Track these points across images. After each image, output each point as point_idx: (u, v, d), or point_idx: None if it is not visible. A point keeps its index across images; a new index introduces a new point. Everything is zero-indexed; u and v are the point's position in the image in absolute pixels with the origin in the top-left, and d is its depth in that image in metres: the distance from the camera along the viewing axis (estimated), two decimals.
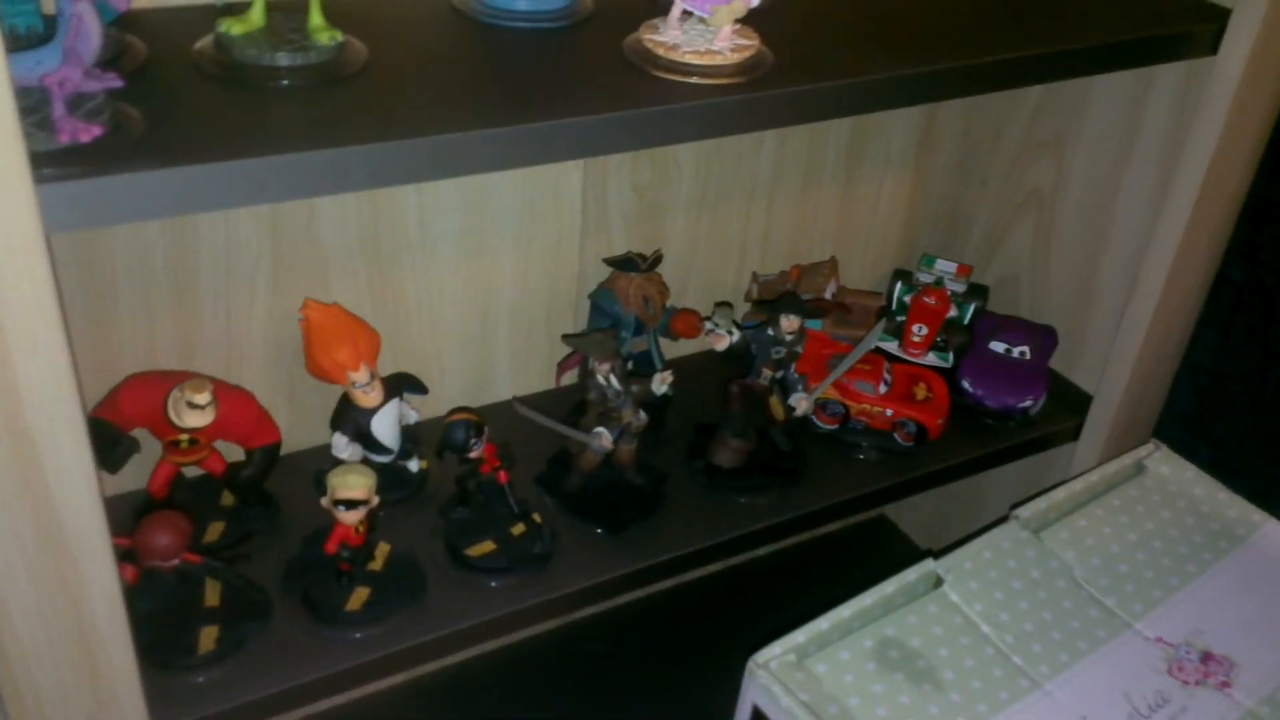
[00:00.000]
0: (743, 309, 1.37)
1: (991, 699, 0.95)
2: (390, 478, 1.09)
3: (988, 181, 1.42)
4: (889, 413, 1.24)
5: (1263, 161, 1.20)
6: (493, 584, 1.04)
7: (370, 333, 1.05)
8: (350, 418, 1.05)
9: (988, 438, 1.30)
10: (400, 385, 1.08)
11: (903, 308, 1.38)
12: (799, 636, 0.97)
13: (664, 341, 1.25)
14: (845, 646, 0.98)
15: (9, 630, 0.77)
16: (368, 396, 1.04)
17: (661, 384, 1.10)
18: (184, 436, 0.99)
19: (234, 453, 1.07)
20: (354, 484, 0.97)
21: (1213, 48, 1.10)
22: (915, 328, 1.34)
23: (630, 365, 1.20)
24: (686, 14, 0.90)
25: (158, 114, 0.73)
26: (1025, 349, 1.34)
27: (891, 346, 1.35)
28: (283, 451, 1.09)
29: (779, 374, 1.18)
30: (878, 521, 1.72)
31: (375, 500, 0.99)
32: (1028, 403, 1.30)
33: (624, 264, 1.20)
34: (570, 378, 1.29)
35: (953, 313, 1.37)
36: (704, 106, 0.85)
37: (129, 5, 0.81)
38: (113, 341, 1.03)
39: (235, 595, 0.98)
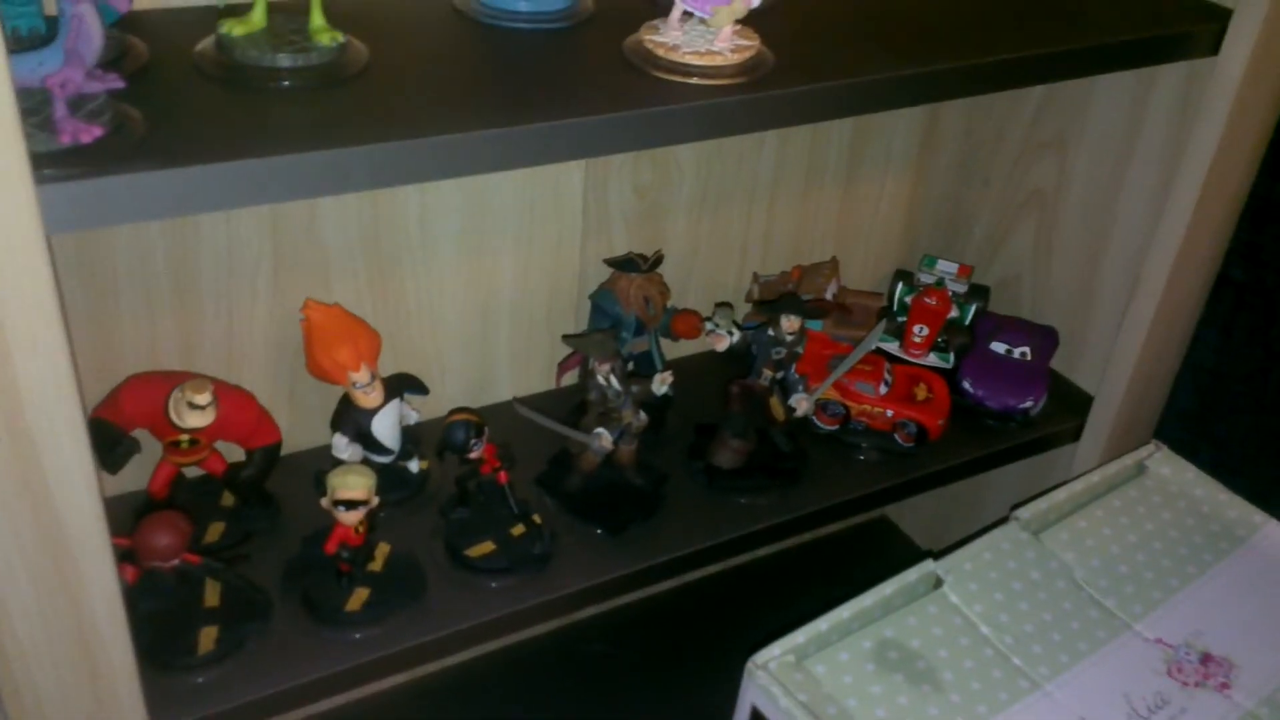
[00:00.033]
0: (744, 310, 1.37)
1: (991, 700, 0.95)
2: (391, 478, 1.09)
3: (989, 182, 1.42)
4: (889, 413, 1.24)
5: (1264, 162, 1.20)
6: (493, 584, 1.04)
7: (371, 333, 1.05)
8: (351, 418, 1.05)
9: (988, 438, 1.30)
10: (401, 386, 1.08)
11: (904, 308, 1.38)
12: (798, 637, 0.97)
13: (665, 342, 1.25)
14: (844, 647, 0.98)
15: (9, 630, 0.77)
16: (368, 397, 1.04)
17: (662, 384, 1.10)
18: (184, 437, 0.99)
19: (235, 453, 1.07)
20: (354, 484, 0.97)
21: (1214, 48, 1.10)
22: (916, 328, 1.34)
23: (631, 366, 1.20)
24: (687, 15, 0.90)
25: (159, 115, 0.73)
26: (1026, 349, 1.34)
27: (892, 347, 1.35)
28: (283, 452, 1.09)
29: (779, 374, 1.18)
30: (879, 522, 1.72)
31: (375, 501, 0.99)
32: (1028, 403, 1.30)
33: (625, 264, 1.20)
34: (571, 378, 1.29)
35: (954, 313, 1.37)
36: (704, 107, 0.85)
37: (130, 6, 0.81)
38: (114, 342, 1.03)
39: (235, 595, 0.98)
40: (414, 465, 1.12)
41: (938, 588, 1.05)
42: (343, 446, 1.05)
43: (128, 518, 0.98)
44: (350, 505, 0.97)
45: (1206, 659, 1.01)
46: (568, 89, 0.85)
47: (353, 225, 1.09)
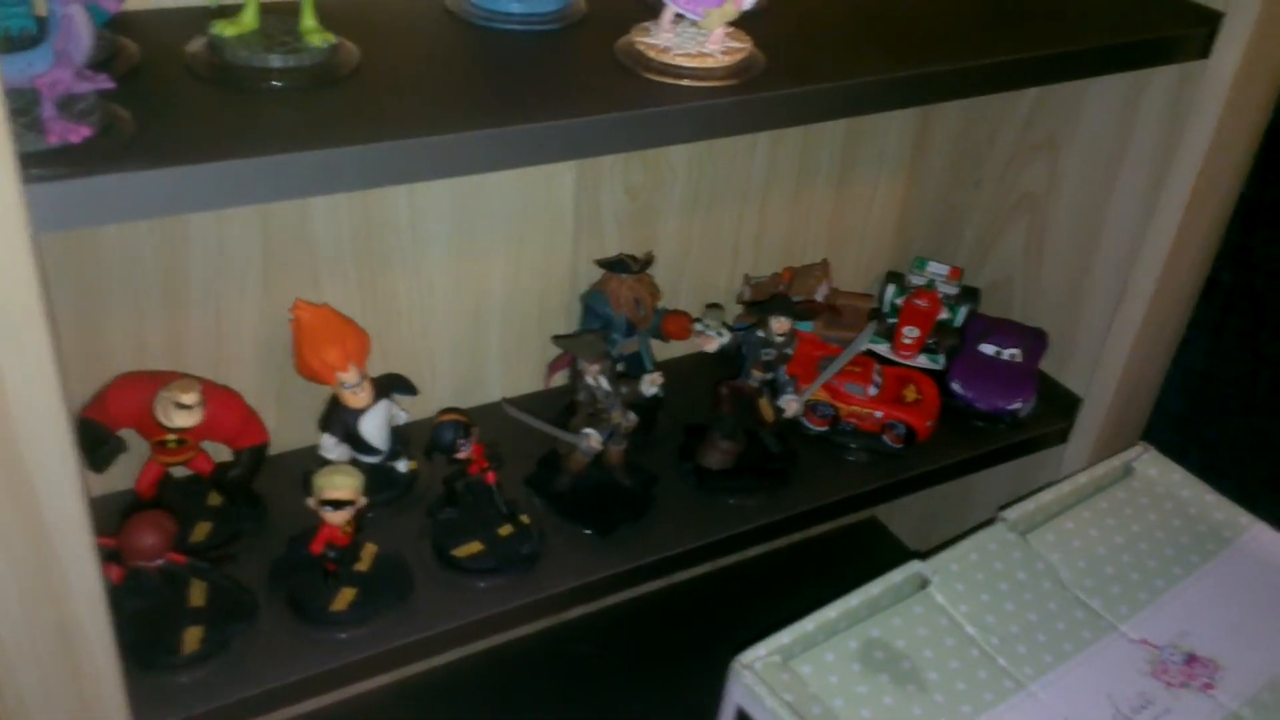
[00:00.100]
0: (734, 311, 1.37)
1: (976, 700, 0.95)
2: (379, 478, 1.09)
3: (981, 184, 1.42)
4: (879, 415, 1.24)
5: (1254, 165, 1.21)
6: (480, 585, 1.04)
7: (360, 333, 1.05)
8: (339, 418, 1.05)
9: (977, 440, 1.30)
10: (390, 386, 1.08)
11: (894, 310, 1.38)
12: (784, 637, 0.97)
13: (655, 343, 1.25)
14: (830, 647, 0.98)
15: None
16: (357, 397, 1.04)
17: (651, 385, 1.10)
18: (172, 436, 0.99)
19: (222, 453, 1.07)
20: (340, 484, 0.97)
21: (1205, 51, 1.11)
22: (906, 330, 1.34)
23: (622, 366, 1.20)
24: (679, 17, 0.90)
25: (149, 115, 0.73)
26: (1016, 351, 1.34)
27: (883, 349, 1.35)
28: (272, 452, 1.09)
29: (769, 376, 1.18)
30: (868, 523, 1.72)
31: (362, 501, 0.99)
32: (1017, 405, 1.30)
33: (615, 265, 1.20)
34: (560, 379, 1.29)
35: (944, 315, 1.37)
36: (696, 109, 0.85)
37: (121, 7, 0.81)
38: (102, 341, 1.02)
39: (221, 595, 0.98)
40: (402, 465, 1.11)
41: (924, 588, 1.05)
42: (331, 446, 1.05)
43: (115, 517, 0.98)
44: (337, 505, 0.97)
45: (1191, 660, 1.02)
46: (559, 90, 0.85)
47: (343, 225, 1.09)
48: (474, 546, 1.06)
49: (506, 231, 1.18)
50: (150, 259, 1.01)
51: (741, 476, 1.19)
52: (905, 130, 1.41)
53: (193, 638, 0.94)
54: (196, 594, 0.97)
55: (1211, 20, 1.10)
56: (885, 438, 1.25)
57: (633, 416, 1.11)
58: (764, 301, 1.23)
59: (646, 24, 0.92)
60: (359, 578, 1.02)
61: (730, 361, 1.22)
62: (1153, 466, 1.22)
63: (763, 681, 0.94)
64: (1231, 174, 1.19)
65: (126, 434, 1.01)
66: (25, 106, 0.67)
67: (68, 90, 0.68)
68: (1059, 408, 1.35)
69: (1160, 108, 1.19)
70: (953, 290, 1.40)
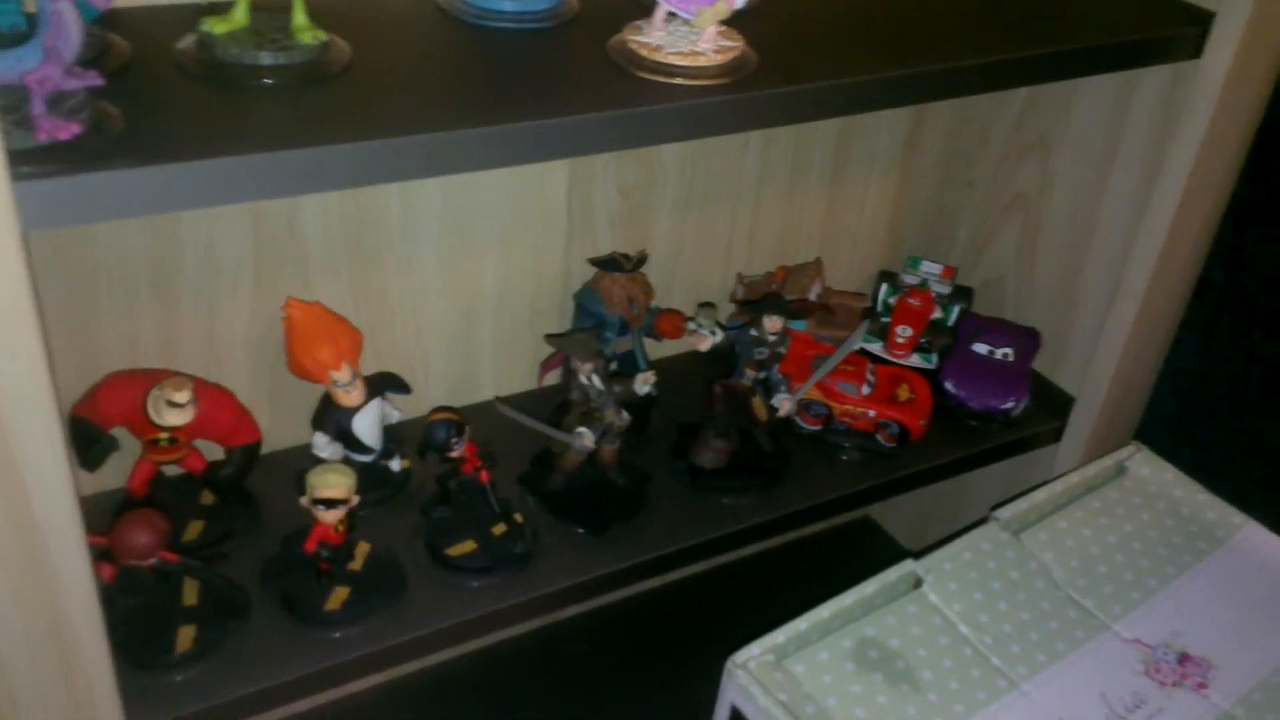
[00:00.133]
0: (727, 310, 1.37)
1: (969, 699, 0.95)
2: (373, 477, 1.09)
3: (974, 184, 1.43)
4: (872, 414, 1.24)
5: (1246, 164, 1.21)
6: (474, 584, 1.04)
7: (352, 331, 1.05)
8: (331, 417, 1.05)
9: (970, 439, 1.30)
10: (383, 385, 1.08)
11: (888, 309, 1.38)
12: (778, 637, 0.97)
13: (648, 342, 1.25)
14: (824, 647, 0.98)
15: None
16: (349, 395, 1.04)
17: (644, 384, 1.10)
18: (164, 435, 0.99)
19: (215, 451, 1.06)
20: (333, 483, 0.97)
21: (1196, 51, 1.11)
22: (899, 329, 1.34)
23: (615, 365, 1.20)
24: (671, 16, 0.90)
25: (139, 112, 0.73)
26: (1008, 350, 1.34)
27: (876, 348, 1.35)
28: (264, 450, 1.09)
29: (762, 375, 1.18)
30: (862, 522, 1.72)
31: (355, 499, 0.99)
32: (1010, 404, 1.31)
33: (608, 264, 1.20)
34: (553, 378, 1.29)
35: (937, 314, 1.37)
36: (688, 108, 0.85)
37: (110, 4, 0.80)
38: (94, 339, 1.02)
39: (214, 594, 0.98)
40: (395, 464, 1.11)
41: (918, 587, 1.05)
42: (323, 445, 1.05)
43: (107, 515, 0.97)
44: (330, 504, 0.97)
45: (1184, 659, 1.02)
46: (551, 89, 0.85)
47: (335, 224, 1.08)
48: (467, 545, 1.06)
49: (499, 230, 1.18)
50: (141, 257, 1.01)
51: (735, 475, 1.19)
52: (897, 129, 1.41)
53: (186, 637, 0.94)
54: (189, 593, 0.97)
55: (1203, 20, 1.10)
56: (878, 437, 1.25)
57: (626, 415, 1.11)
58: (757, 300, 1.23)
59: (639, 22, 0.92)
60: (352, 577, 1.02)
61: (723, 360, 1.22)
62: (1145, 466, 1.22)
63: (757, 681, 0.94)
64: (1223, 174, 1.19)
65: (118, 432, 1.00)
66: (14, 103, 0.67)
67: (57, 87, 0.68)
68: (1052, 407, 1.36)
69: (1152, 108, 1.19)
70: (946, 289, 1.40)
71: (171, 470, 1.05)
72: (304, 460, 1.06)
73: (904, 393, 1.26)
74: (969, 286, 1.43)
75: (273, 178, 0.72)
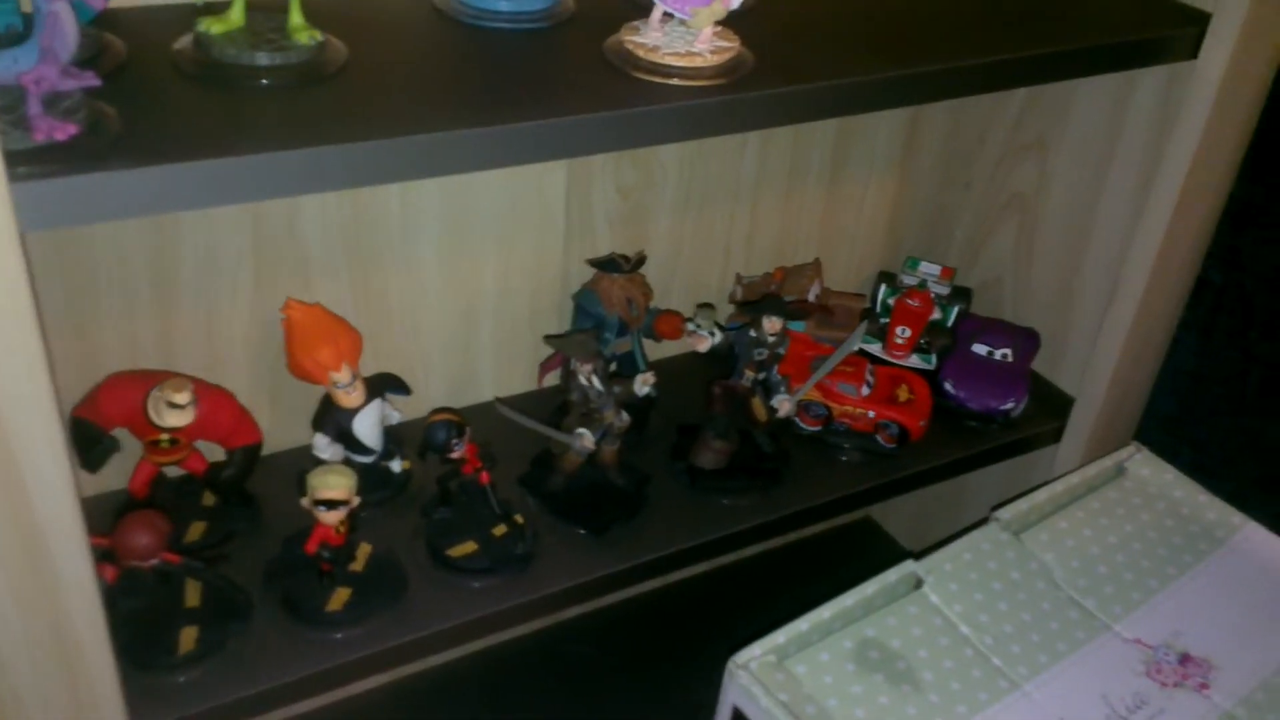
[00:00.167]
0: (726, 311, 1.37)
1: (970, 700, 0.95)
2: (373, 478, 1.09)
3: (971, 184, 1.43)
4: (871, 414, 1.24)
5: (1243, 164, 1.21)
6: (475, 585, 1.04)
7: (352, 332, 1.05)
8: (332, 418, 1.05)
9: (970, 440, 1.30)
10: (383, 385, 1.08)
11: (886, 310, 1.38)
12: (779, 637, 0.97)
13: (647, 343, 1.25)
14: (825, 647, 0.98)
15: None
16: (349, 397, 1.04)
17: (644, 385, 1.10)
18: (164, 436, 0.99)
19: (216, 452, 1.07)
20: (334, 484, 0.97)
21: (1193, 52, 1.11)
22: (899, 330, 1.34)
23: (613, 366, 1.20)
24: (667, 16, 0.90)
25: (136, 113, 0.73)
26: (1007, 351, 1.34)
27: (875, 348, 1.35)
28: (265, 452, 1.09)
29: (762, 375, 1.18)
30: (862, 523, 1.72)
31: (356, 500, 0.99)
32: (1009, 405, 1.31)
33: (607, 265, 1.20)
34: (553, 379, 1.29)
35: (936, 315, 1.37)
36: (684, 108, 0.85)
37: (107, 4, 0.80)
38: (93, 340, 1.02)
39: (216, 595, 0.98)
40: (396, 465, 1.11)
41: (918, 588, 1.05)
42: (324, 446, 1.05)
43: (109, 517, 0.98)
44: (331, 505, 0.97)
45: (1185, 659, 1.02)
46: (548, 89, 0.85)
47: (334, 224, 1.09)
48: (468, 546, 1.06)
49: (498, 231, 1.19)
50: (141, 258, 1.01)
51: (734, 476, 1.19)
52: (895, 130, 1.42)
53: (188, 638, 0.94)
54: (191, 594, 0.97)
55: (1200, 21, 1.10)
56: (878, 437, 1.25)
57: (625, 416, 1.11)
58: (756, 301, 1.23)
59: (635, 23, 0.92)
60: (353, 578, 1.02)
61: (723, 361, 1.22)
62: (1145, 466, 1.22)
63: (758, 681, 0.94)
64: (1220, 174, 1.19)
65: (119, 433, 1.00)
66: (11, 104, 0.67)
67: (54, 87, 0.68)
68: (1051, 408, 1.36)
69: (1149, 108, 1.19)
70: (944, 290, 1.40)
71: (173, 471, 1.05)
72: (305, 461, 1.07)
73: (903, 393, 1.26)
74: (968, 287, 1.43)
75: (270, 178, 0.72)
